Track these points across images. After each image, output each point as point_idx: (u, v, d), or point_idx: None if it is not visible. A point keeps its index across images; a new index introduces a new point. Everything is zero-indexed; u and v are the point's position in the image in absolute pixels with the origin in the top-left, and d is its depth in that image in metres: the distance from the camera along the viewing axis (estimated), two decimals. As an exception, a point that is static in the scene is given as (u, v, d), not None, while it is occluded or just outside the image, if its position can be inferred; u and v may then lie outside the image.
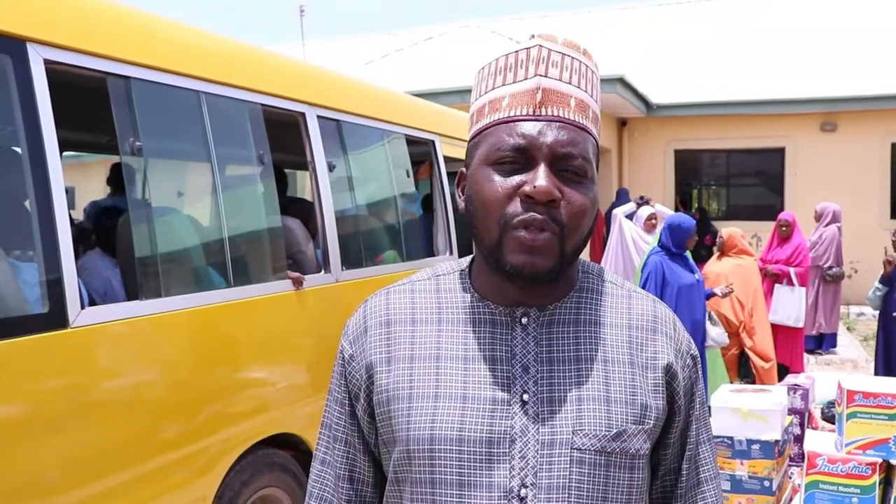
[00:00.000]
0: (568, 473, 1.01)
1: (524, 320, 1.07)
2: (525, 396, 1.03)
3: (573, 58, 1.04)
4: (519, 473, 1.01)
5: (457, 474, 1.01)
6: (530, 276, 1.01)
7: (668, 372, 1.09)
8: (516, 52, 1.05)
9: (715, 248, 6.66)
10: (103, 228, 3.69)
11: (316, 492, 1.17)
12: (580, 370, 1.05)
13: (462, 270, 1.14)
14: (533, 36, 1.05)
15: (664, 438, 1.12)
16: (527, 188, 0.99)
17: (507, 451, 1.01)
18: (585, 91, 1.05)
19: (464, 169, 1.11)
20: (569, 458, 1.01)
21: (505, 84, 1.04)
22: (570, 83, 1.03)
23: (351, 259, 4.19)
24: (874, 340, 6.45)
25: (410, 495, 1.05)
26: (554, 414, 1.02)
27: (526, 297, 1.07)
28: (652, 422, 1.06)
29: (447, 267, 1.17)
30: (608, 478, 1.02)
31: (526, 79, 1.03)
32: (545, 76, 1.02)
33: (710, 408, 2.18)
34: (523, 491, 1.00)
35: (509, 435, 1.01)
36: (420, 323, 1.10)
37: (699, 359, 1.17)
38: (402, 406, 1.05)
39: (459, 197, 1.12)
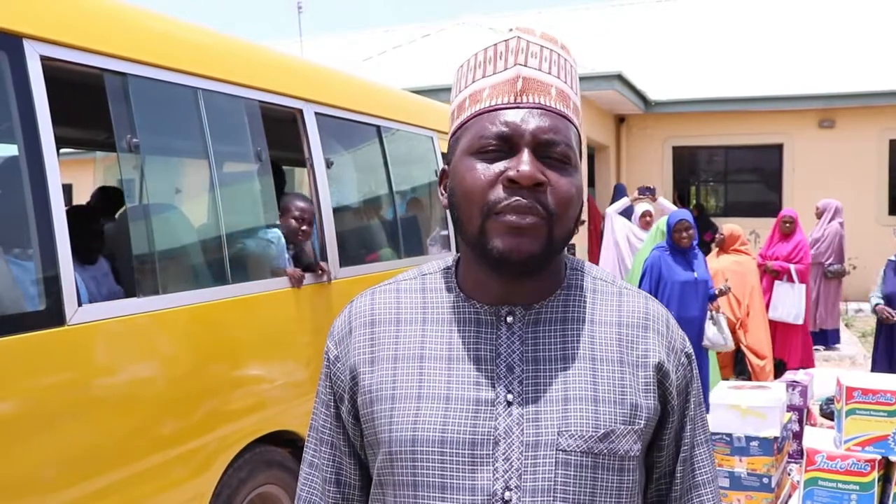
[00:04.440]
0: (553, 476, 0.98)
1: (509, 319, 1.05)
2: (510, 397, 1.01)
3: (551, 49, 1.04)
4: (503, 476, 0.98)
5: (439, 476, 0.99)
6: (517, 261, 0.98)
7: (660, 370, 1.06)
8: (495, 44, 1.04)
9: (714, 245, 6.66)
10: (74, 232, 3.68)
11: (304, 495, 1.16)
12: (567, 369, 1.03)
13: (448, 269, 1.13)
14: (511, 29, 1.05)
15: (658, 440, 1.09)
16: (511, 173, 0.97)
17: (491, 453, 0.99)
18: (565, 82, 1.04)
19: (445, 166, 1.09)
20: (554, 460, 0.98)
21: (485, 76, 1.04)
22: (549, 73, 1.03)
23: (348, 256, 4.19)
24: (872, 337, 6.43)
25: (394, 498, 1.03)
26: (539, 414, 1.00)
27: (511, 295, 1.05)
28: (643, 422, 1.03)
29: (433, 266, 1.15)
30: (596, 480, 0.99)
31: (506, 69, 1.02)
32: (525, 65, 1.02)
33: (708, 406, 2.17)
34: (507, 494, 0.98)
35: (493, 436, 0.99)
36: (405, 323, 1.09)
37: (694, 357, 1.13)
38: (384, 407, 1.03)
39: (442, 195, 1.10)
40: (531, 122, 0.99)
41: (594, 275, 1.13)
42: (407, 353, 1.06)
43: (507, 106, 1.00)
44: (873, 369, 5.71)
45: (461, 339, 1.05)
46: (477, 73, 1.05)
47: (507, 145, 0.99)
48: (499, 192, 0.98)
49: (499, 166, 0.99)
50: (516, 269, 1.00)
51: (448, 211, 1.08)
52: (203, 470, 3.01)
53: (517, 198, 0.97)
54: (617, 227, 8.07)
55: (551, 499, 0.98)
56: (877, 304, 5.59)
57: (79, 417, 2.50)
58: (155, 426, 2.80)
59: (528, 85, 1.01)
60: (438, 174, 1.11)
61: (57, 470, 2.42)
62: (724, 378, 5.93)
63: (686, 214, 5.57)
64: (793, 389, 2.53)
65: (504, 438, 0.99)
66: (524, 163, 0.97)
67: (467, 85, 1.06)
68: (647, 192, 8.04)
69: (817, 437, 2.08)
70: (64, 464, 2.44)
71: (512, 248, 0.97)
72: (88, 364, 2.58)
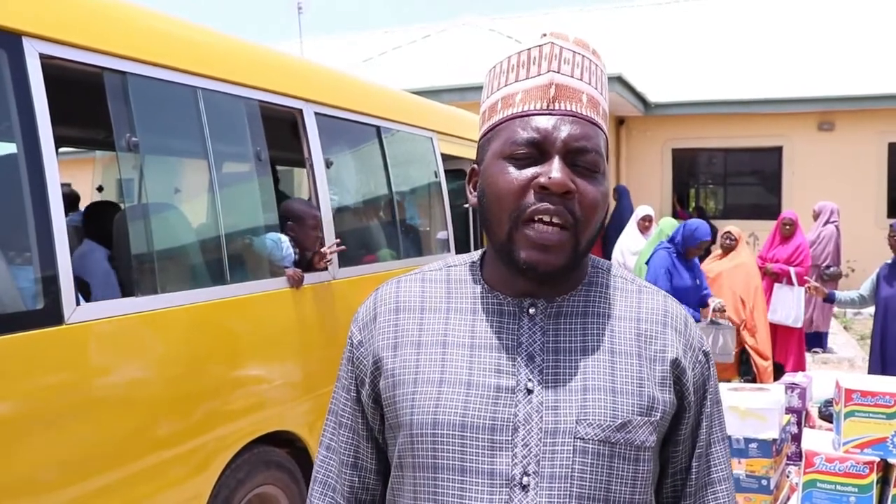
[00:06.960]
0: (571, 463, 1.01)
1: (532, 311, 1.08)
2: (530, 385, 1.03)
3: (584, 56, 1.06)
4: (521, 461, 1.01)
5: (459, 460, 1.02)
6: (544, 272, 1.02)
7: (677, 366, 1.09)
8: (528, 49, 1.06)
9: (718, 247, 6.65)
10: (95, 220, 3.69)
11: (320, 477, 1.19)
12: (586, 360, 1.05)
13: (473, 262, 1.16)
14: (545, 34, 1.07)
15: (674, 435, 1.11)
16: (542, 180, 1.00)
17: (510, 438, 1.01)
18: (596, 88, 1.07)
19: (475, 165, 1.13)
20: (572, 448, 1.01)
21: (518, 80, 1.06)
22: (581, 80, 1.05)
23: (348, 257, 4.19)
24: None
25: (413, 480, 1.05)
26: (558, 403, 1.03)
27: (535, 290, 1.08)
28: (659, 414, 1.05)
29: (459, 259, 1.19)
30: (612, 468, 1.02)
31: (539, 75, 1.04)
32: (558, 72, 1.04)
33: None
34: (525, 479, 1.00)
35: (512, 423, 1.02)
36: (429, 311, 1.12)
37: (711, 356, 1.16)
38: (407, 390, 1.06)
39: (471, 193, 1.13)
40: (563, 129, 1.02)
41: (615, 273, 1.16)
42: (430, 339, 1.09)
43: (540, 112, 1.03)
44: (870, 371, 5.71)
45: (484, 327, 1.08)
46: (510, 77, 1.07)
47: (538, 151, 1.02)
48: (529, 197, 1.01)
49: (529, 172, 1.02)
50: (541, 278, 1.04)
51: (477, 210, 1.11)
52: (201, 470, 3.00)
53: (546, 204, 1.00)
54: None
55: (568, 485, 1.01)
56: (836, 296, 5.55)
57: (76, 417, 2.50)
58: (153, 426, 2.80)
59: (560, 92, 1.03)
60: (468, 172, 1.14)
61: (54, 469, 2.42)
62: (728, 380, 5.92)
63: (708, 231, 5.46)
64: (792, 391, 2.53)
65: (523, 425, 1.02)
66: (555, 170, 1.00)
67: (500, 87, 1.08)
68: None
69: (816, 440, 2.08)
70: (61, 463, 2.44)
71: (538, 261, 1.02)
72: (86, 363, 2.58)
